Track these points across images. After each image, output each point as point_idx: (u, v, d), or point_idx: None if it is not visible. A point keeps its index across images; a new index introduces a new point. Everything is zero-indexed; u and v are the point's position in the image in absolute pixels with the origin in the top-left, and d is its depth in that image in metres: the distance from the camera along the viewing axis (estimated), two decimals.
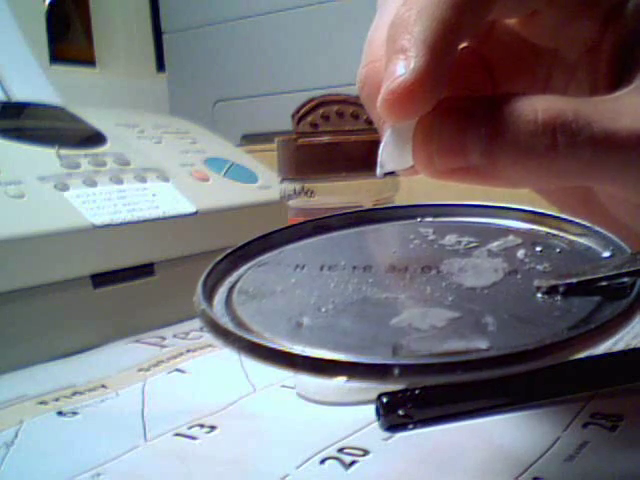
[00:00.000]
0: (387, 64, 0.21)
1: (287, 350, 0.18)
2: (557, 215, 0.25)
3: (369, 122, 0.32)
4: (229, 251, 0.25)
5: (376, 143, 0.32)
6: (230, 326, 0.20)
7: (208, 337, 0.40)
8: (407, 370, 0.17)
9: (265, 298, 0.23)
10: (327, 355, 0.18)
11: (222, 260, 0.24)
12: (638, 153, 0.20)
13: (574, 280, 0.21)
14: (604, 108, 0.20)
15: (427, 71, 0.20)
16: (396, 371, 0.17)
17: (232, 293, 0.23)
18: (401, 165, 0.23)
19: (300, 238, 0.27)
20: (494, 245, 0.24)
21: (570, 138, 0.19)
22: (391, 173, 0.24)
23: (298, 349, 0.18)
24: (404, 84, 0.20)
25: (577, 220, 0.25)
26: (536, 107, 0.19)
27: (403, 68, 0.20)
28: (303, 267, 0.24)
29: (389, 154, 0.23)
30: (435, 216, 0.27)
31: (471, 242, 0.25)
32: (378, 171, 0.23)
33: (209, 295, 0.22)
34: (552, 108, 0.19)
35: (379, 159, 0.23)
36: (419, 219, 0.27)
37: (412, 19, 0.20)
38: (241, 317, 0.21)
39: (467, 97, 0.21)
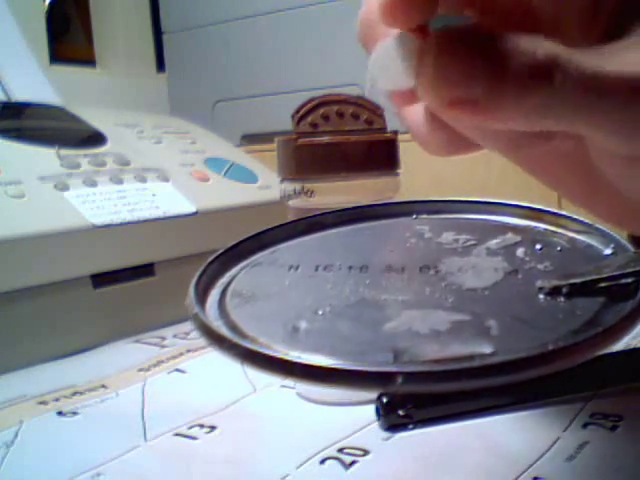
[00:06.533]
0: None
1: (284, 358, 0.18)
2: (555, 211, 0.25)
3: (369, 122, 0.32)
4: (221, 251, 0.24)
5: (376, 143, 0.32)
6: (224, 331, 0.19)
7: None
8: (411, 378, 0.17)
9: (259, 301, 0.22)
10: (326, 363, 0.17)
11: (214, 260, 0.24)
12: (624, 98, 0.20)
13: (578, 280, 0.20)
14: (599, 53, 0.21)
15: None
16: (400, 379, 0.17)
17: (225, 295, 0.22)
18: (396, 84, 0.20)
19: (294, 236, 0.26)
20: (493, 243, 0.24)
21: (565, 76, 0.20)
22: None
23: (295, 355, 0.18)
24: None
25: (576, 217, 0.24)
26: (537, 46, 0.20)
27: None
28: (297, 267, 0.24)
29: (384, 68, 0.20)
30: (431, 213, 0.27)
31: (469, 240, 0.24)
32: (367, 90, 0.21)
33: (202, 298, 0.22)
34: (552, 48, 0.20)
35: (369, 75, 0.21)
36: (415, 216, 0.27)
37: None
38: (235, 321, 0.20)
39: (474, 29, 0.21)
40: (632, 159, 0.22)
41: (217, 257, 0.24)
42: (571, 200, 0.27)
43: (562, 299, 0.20)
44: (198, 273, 0.23)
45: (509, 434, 0.26)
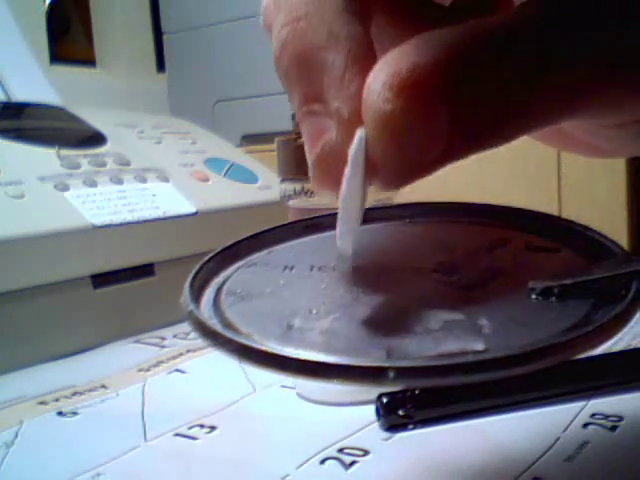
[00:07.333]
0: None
1: (278, 353, 0.18)
2: (548, 214, 0.25)
3: None
4: (217, 251, 0.25)
5: None
6: (219, 328, 0.19)
7: None
8: (403, 373, 0.17)
9: (254, 299, 0.22)
10: (320, 358, 0.17)
11: (210, 260, 0.24)
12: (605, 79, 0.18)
13: (569, 281, 0.21)
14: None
15: None
16: (391, 374, 0.17)
17: (220, 294, 0.22)
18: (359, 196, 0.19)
19: (290, 238, 0.26)
20: (486, 245, 0.24)
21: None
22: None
23: (289, 351, 0.18)
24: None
25: (569, 219, 0.24)
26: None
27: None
28: (292, 268, 0.24)
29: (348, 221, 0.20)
30: (425, 215, 0.27)
31: (462, 242, 0.25)
32: (340, 266, 0.21)
33: (196, 296, 0.22)
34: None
35: (338, 253, 0.21)
36: (408, 220, 0.27)
37: None
38: (230, 319, 0.21)
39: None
40: (612, 126, 0.21)
41: (213, 256, 0.24)
42: (540, 141, 0.26)
43: (554, 299, 0.20)
44: (193, 272, 0.23)
45: (509, 434, 0.26)
